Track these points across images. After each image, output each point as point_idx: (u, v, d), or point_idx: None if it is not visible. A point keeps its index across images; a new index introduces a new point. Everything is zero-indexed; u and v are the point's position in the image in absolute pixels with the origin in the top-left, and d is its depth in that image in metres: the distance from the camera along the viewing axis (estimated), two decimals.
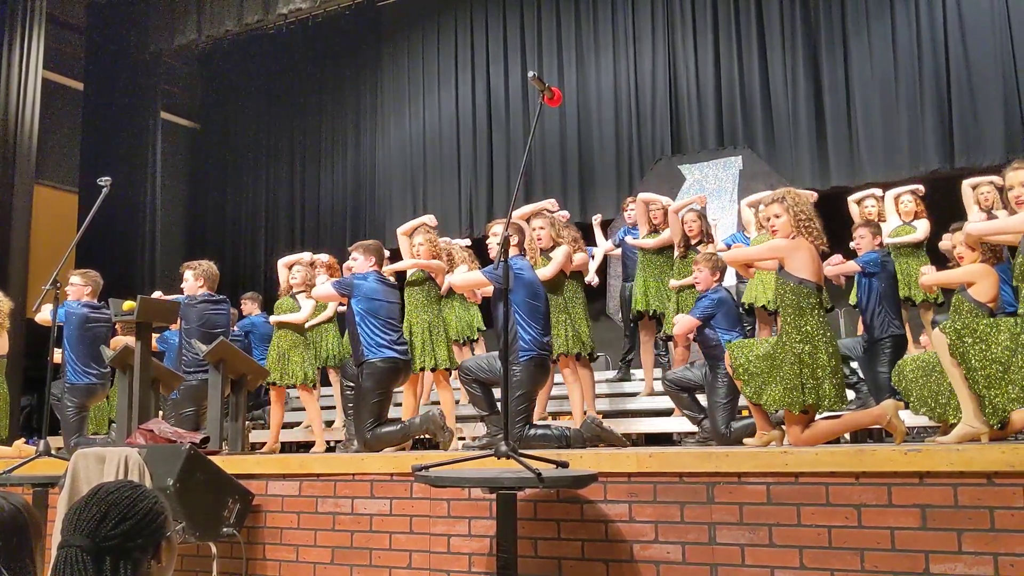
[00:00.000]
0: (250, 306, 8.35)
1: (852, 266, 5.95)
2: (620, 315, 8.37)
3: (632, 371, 7.96)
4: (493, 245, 5.58)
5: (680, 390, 5.68)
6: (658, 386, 7.40)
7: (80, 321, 6.32)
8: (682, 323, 5.66)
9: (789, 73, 10.65)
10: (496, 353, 5.09)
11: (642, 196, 7.39)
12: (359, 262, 5.62)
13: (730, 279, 6.99)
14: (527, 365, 4.92)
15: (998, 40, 9.47)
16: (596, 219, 8.46)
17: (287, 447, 7.60)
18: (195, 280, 6.32)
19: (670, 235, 6.81)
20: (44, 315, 6.00)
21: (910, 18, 10.08)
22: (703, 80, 11.20)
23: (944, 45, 9.80)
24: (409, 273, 6.39)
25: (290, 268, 6.87)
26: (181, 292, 6.49)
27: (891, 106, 10.01)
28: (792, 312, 4.33)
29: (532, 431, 4.86)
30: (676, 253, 6.73)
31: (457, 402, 7.59)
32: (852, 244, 6.17)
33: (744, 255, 5.18)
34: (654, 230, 7.12)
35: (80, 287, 6.47)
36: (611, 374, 8.63)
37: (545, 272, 5.70)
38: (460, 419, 7.21)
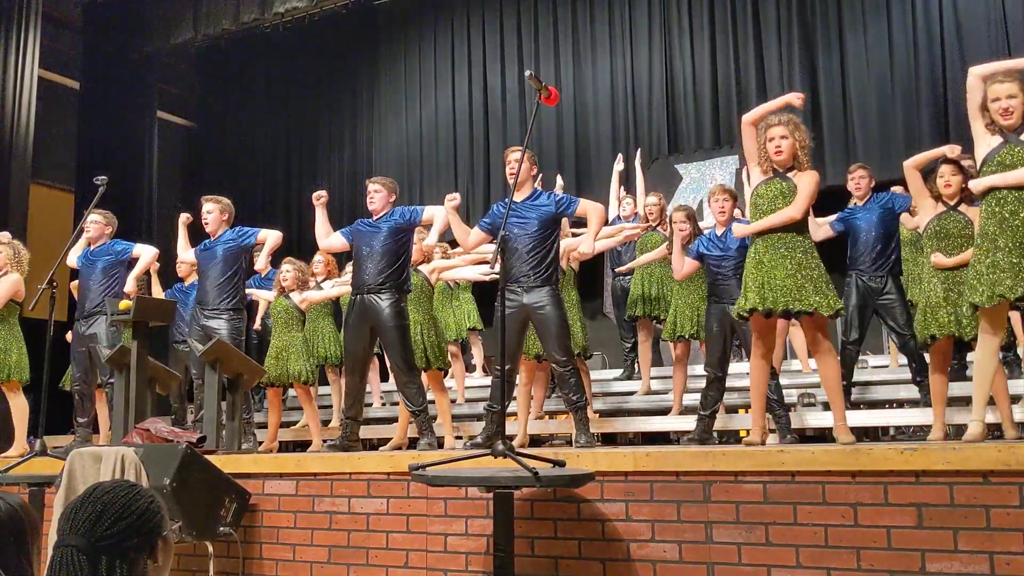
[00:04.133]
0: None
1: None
2: (615, 313, 8.35)
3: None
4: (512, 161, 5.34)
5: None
6: (655, 385, 7.40)
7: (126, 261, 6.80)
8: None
9: (785, 71, 10.65)
10: None
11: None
12: (382, 195, 5.65)
13: None
14: None
15: (993, 36, 9.48)
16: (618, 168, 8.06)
17: (284, 447, 7.59)
18: (220, 215, 6.34)
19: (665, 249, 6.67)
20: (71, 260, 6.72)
21: (906, 15, 10.09)
22: (699, 79, 11.19)
23: (940, 41, 9.81)
24: None
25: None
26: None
27: (887, 103, 10.02)
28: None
29: None
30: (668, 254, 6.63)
31: (453, 401, 7.59)
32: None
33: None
34: (649, 228, 7.11)
35: (102, 225, 6.81)
36: (607, 373, 8.63)
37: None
38: (458, 418, 7.21)
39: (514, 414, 6.30)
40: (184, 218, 6.86)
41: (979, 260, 4.02)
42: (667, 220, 6.95)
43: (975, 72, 4.17)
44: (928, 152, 4.98)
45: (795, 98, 4.70)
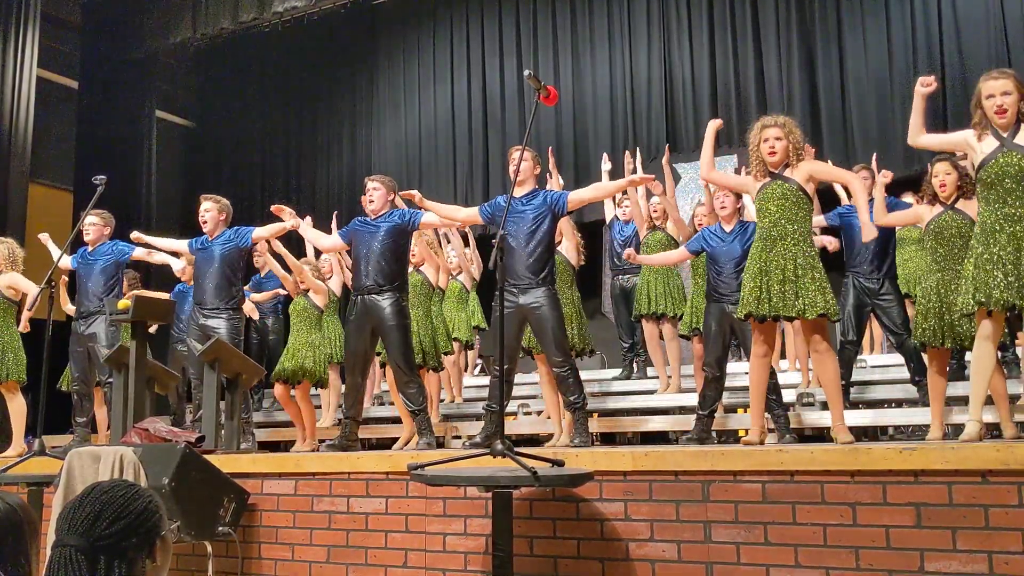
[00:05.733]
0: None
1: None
2: (614, 313, 8.33)
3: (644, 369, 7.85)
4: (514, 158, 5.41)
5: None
6: (651, 384, 7.37)
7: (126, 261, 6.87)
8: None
9: (784, 71, 10.66)
10: None
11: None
12: (381, 193, 5.62)
13: None
14: None
15: (992, 36, 9.49)
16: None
17: (283, 446, 7.56)
18: (219, 215, 6.31)
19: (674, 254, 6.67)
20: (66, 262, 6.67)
21: (905, 15, 10.10)
22: (698, 78, 11.21)
23: (939, 41, 9.82)
24: None
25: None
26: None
27: (886, 103, 10.03)
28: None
29: None
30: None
31: (445, 400, 7.58)
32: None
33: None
34: (653, 227, 7.10)
35: (100, 227, 6.81)
36: (606, 372, 8.61)
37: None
38: (456, 417, 7.21)
39: (512, 414, 6.30)
40: (135, 236, 6.70)
41: (966, 263, 4.02)
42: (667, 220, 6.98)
43: (916, 143, 4.21)
44: (861, 198, 4.74)
45: (718, 123, 4.90)
